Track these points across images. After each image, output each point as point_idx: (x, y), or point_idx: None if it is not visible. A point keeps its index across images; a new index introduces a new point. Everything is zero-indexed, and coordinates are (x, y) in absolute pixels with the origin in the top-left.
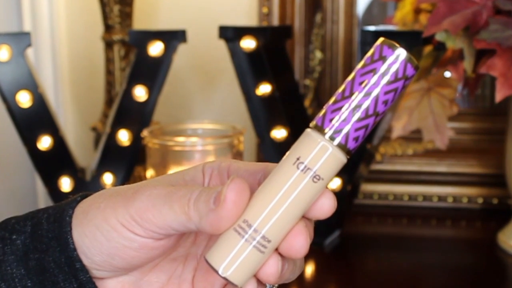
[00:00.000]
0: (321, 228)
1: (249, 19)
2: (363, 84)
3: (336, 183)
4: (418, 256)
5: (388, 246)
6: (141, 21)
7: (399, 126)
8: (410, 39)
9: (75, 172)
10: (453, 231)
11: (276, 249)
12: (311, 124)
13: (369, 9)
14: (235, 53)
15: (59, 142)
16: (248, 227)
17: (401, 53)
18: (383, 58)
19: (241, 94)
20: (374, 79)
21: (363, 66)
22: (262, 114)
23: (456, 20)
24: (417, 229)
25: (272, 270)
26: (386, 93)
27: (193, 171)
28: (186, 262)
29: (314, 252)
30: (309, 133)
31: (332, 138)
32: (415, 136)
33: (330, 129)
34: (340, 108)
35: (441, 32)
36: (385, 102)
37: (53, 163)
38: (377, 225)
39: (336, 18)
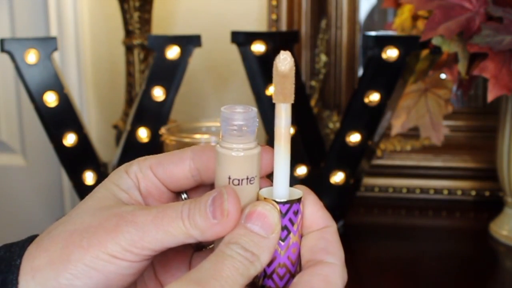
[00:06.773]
0: None
1: (259, 25)
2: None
3: (340, 177)
4: (416, 245)
5: (388, 235)
6: (159, 27)
7: (398, 124)
8: (408, 44)
9: (98, 166)
10: (448, 221)
11: None
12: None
13: (370, 16)
14: (246, 56)
15: (83, 139)
16: None
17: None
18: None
19: (251, 95)
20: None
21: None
22: (271, 113)
23: (451, 26)
24: (415, 220)
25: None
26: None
27: (121, 181)
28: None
29: None
30: (218, 149)
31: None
32: (413, 133)
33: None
34: None
35: (437, 37)
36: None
37: (77, 159)
38: (378, 216)
39: (339, 24)
